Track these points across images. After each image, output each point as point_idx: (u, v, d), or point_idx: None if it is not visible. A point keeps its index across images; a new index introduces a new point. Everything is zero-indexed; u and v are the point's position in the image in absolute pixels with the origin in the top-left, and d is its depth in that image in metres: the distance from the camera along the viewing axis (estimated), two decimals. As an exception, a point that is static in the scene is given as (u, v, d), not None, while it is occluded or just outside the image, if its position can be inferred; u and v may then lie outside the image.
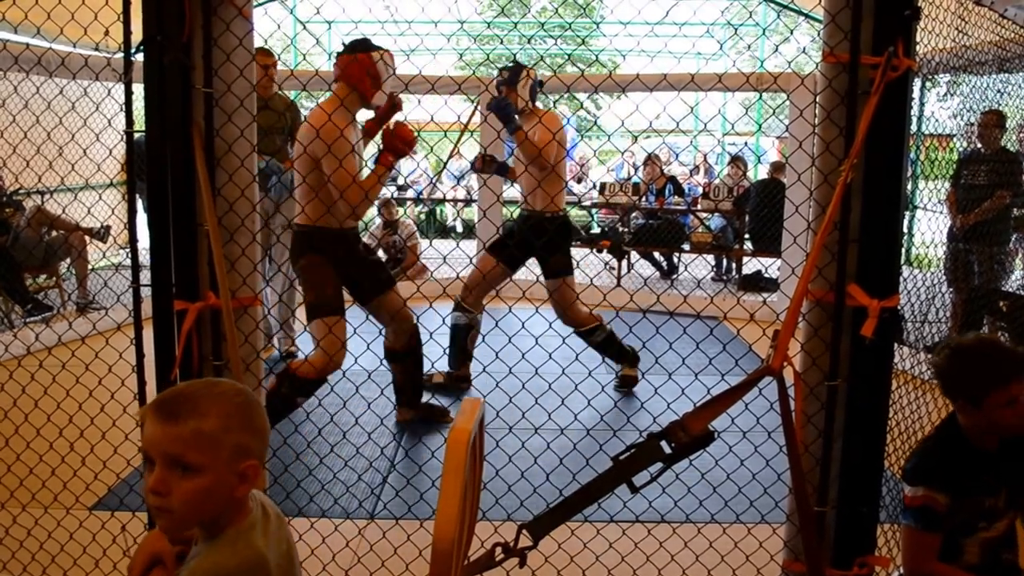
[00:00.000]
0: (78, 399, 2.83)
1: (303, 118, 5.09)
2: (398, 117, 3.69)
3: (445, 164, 10.52)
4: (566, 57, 13.99)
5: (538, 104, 4.53)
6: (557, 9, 15.85)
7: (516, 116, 4.22)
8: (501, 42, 13.41)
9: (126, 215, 3.03)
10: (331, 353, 3.49)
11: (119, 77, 2.19)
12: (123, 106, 2.17)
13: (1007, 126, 5.04)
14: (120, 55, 2.16)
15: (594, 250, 8.34)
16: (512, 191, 10.71)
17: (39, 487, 2.84)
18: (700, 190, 9.16)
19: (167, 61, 1.97)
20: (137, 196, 3.83)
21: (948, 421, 1.97)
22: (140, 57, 2.02)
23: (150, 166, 2.03)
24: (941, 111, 6.20)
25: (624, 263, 8.27)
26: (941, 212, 5.39)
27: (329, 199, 3.46)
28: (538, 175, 4.28)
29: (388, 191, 9.99)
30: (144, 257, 2.18)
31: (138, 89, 2.08)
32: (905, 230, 4.77)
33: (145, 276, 2.15)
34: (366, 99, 3.61)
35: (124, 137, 2.17)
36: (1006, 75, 4.85)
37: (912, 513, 1.90)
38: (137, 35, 2.02)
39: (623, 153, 11.37)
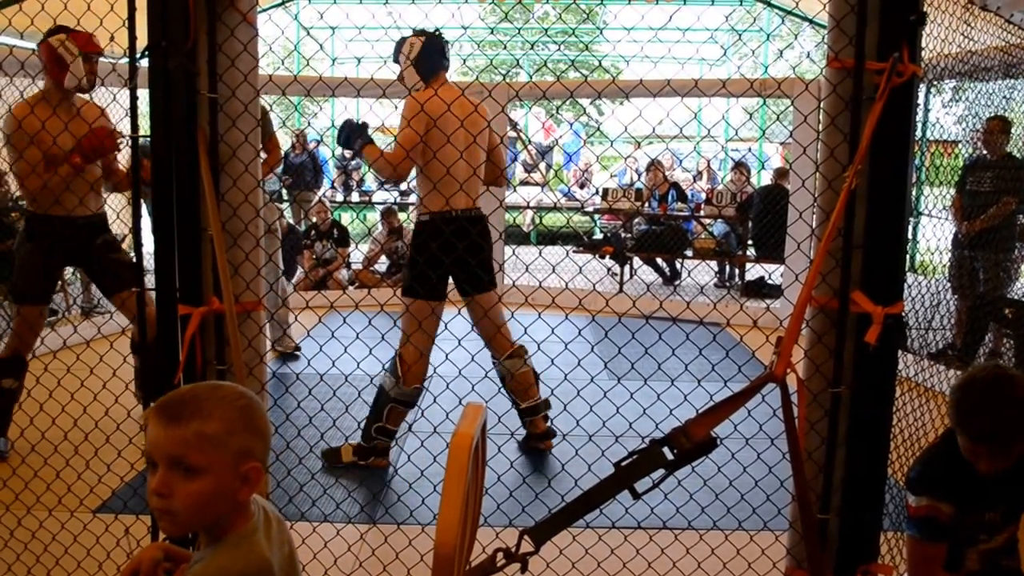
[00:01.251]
0: (82, 402, 2.84)
1: (272, 124, 5.16)
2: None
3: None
4: (569, 63, 14.01)
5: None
6: (560, 15, 15.87)
7: (357, 137, 3.55)
8: (504, 48, 13.43)
9: (131, 220, 3.03)
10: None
11: (124, 83, 2.19)
12: (128, 111, 2.18)
13: (1012, 132, 5.03)
14: (125, 61, 2.17)
15: (597, 255, 8.34)
16: (515, 197, 10.75)
17: (43, 490, 2.84)
18: (703, 196, 9.16)
19: (172, 67, 1.98)
20: (142, 201, 3.88)
21: (952, 431, 1.96)
22: (145, 63, 2.03)
23: (155, 171, 2.03)
24: (946, 117, 6.19)
25: (627, 269, 8.27)
26: (946, 218, 5.38)
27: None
28: (428, 173, 3.50)
29: (391, 198, 10.00)
30: (149, 262, 2.19)
31: (143, 94, 2.09)
32: (910, 237, 4.77)
33: (149, 280, 2.15)
34: (60, 85, 3.53)
35: (129, 142, 2.18)
36: (1012, 80, 4.84)
37: (916, 523, 1.89)
38: (142, 41, 2.03)
39: (626, 159, 11.37)
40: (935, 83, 5.40)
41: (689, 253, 8.27)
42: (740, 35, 12.05)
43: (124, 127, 2.35)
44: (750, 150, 12.55)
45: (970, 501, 1.87)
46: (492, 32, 13.25)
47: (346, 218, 11.33)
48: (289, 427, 3.56)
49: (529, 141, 11.73)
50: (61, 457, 2.85)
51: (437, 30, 3.74)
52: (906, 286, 2.11)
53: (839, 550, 2.06)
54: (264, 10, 8.52)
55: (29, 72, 4.59)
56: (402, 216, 8.57)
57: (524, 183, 11.31)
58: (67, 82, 3.49)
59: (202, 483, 1.23)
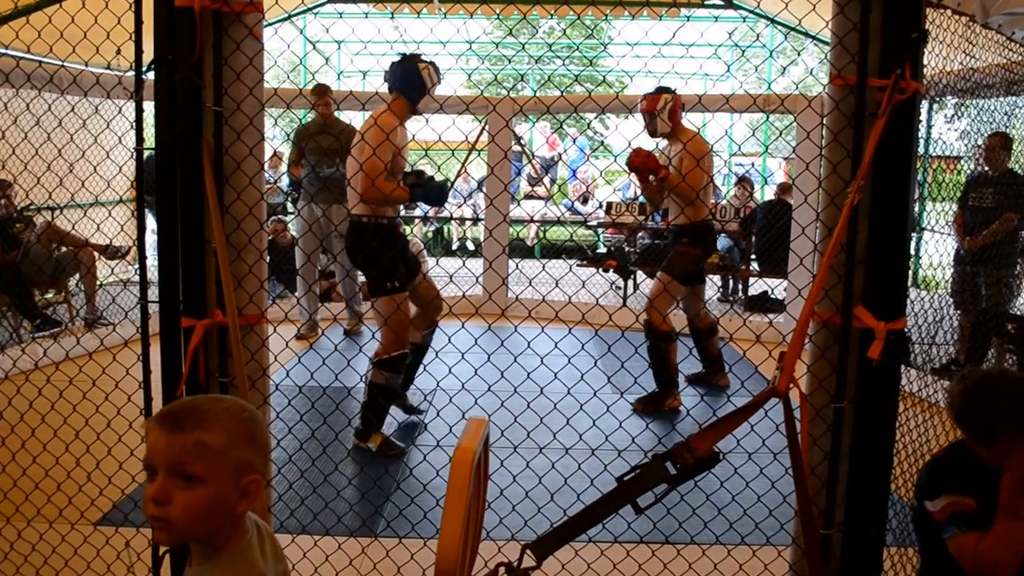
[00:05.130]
0: (85, 414, 2.84)
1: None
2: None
3: (452, 183, 10.55)
4: (574, 78, 14.07)
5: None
6: (565, 30, 15.94)
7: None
8: (509, 62, 13.48)
9: (135, 232, 3.05)
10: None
11: (130, 95, 2.21)
12: (134, 124, 2.19)
13: (1014, 148, 5.04)
14: (132, 73, 2.18)
15: (600, 269, 8.34)
16: (519, 211, 10.76)
17: (44, 502, 2.84)
18: (706, 210, 9.15)
19: (178, 80, 1.99)
20: (147, 212, 3.92)
21: (961, 442, 1.94)
22: (152, 75, 2.04)
23: (160, 183, 2.04)
24: (948, 133, 6.21)
25: (630, 283, 8.26)
26: (948, 234, 5.39)
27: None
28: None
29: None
30: (152, 274, 2.20)
31: (149, 107, 2.10)
32: (912, 252, 4.79)
33: (153, 293, 2.16)
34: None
35: (134, 154, 2.19)
36: (1013, 97, 4.85)
37: (946, 524, 1.82)
38: (149, 54, 2.04)
39: (630, 173, 11.39)
40: (937, 100, 5.42)
41: (692, 267, 8.25)
42: (743, 51, 12.09)
43: (129, 139, 2.36)
44: (753, 165, 12.56)
45: (981, 504, 1.84)
46: (497, 47, 13.29)
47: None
48: (291, 439, 3.56)
49: (533, 155, 11.76)
50: (62, 469, 2.85)
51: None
52: (909, 301, 2.10)
53: (842, 565, 2.05)
54: (270, 24, 8.56)
55: (35, 84, 4.62)
56: (407, 230, 8.56)
57: (528, 197, 11.33)
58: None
59: (201, 493, 1.21)
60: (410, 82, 3.91)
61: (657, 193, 4.85)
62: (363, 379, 4.04)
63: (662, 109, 4.66)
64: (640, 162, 4.53)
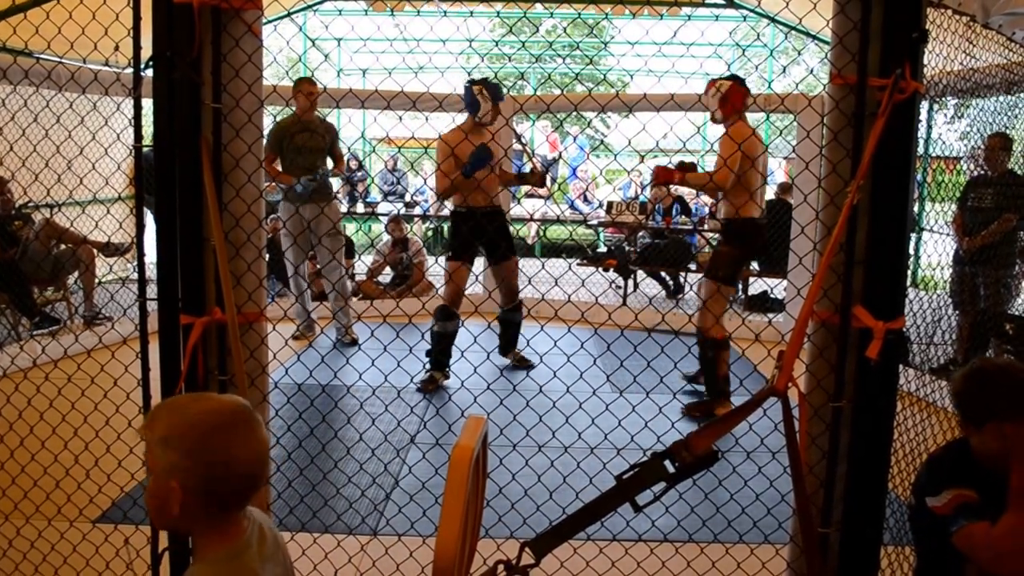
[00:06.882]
0: (83, 412, 2.84)
1: (339, 138, 6.04)
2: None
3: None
4: (574, 76, 14.07)
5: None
6: (566, 29, 15.93)
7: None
8: (510, 60, 13.47)
9: (134, 229, 3.06)
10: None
11: (129, 92, 2.21)
12: (132, 121, 2.19)
13: (1013, 149, 5.04)
14: (130, 70, 2.18)
15: (600, 268, 8.34)
16: (519, 209, 10.76)
17: (43, 499, 2.84)
18: (707, 210, 9.16)
19: (176, 77, 1.98)
20: (146, 210, 3.92)
21: (959, 441, 1.95)
22: (150, 72, 2.04)
23: (159, 181, 2.04)
24: (948, 133, 6.21)
25: (630, 282, 8.26)
26: (947, 234, 5.39)
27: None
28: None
29: (396, 208, 10.02)
30: (151, 271, 2.19)
31: (147, 103, 2.10)
32: (911, 252, 4.78)
33: (152, 290, 2.16)
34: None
35: (133, 151, 2.19)
36: (1013, 98, 4.85)
37: (953, 517, 1.83)
38: (147, 50, 2.04)
39: (630, 172, 11.39)
40: (937, 100, 5.42)
41: (692, 266, 8.26)
42: (744, 51, 12.09)
43: (128, 136, 2.36)
44: (753, 164, 12.53)
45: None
46: (497, 45, 13.27)
47: (350, 228, 11.33)
48: (290, 437, 3.56)
49: (534, 153, 11.75)
50: (61, 467, 2.85)
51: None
52: (907, 301, 2.10)
53: (840, 564, 2.05)
54: (269, 21, 8.55)
55: (33, 80, 4.61)
56: (407, 229, 8.54)
57: (529, 195, 11.32)
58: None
59: (152, 483, 1.27)
60: (468, 102, 5.09)
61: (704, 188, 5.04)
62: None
63: (714, 95, 4.57)
64: (658, 180, 4.77)
